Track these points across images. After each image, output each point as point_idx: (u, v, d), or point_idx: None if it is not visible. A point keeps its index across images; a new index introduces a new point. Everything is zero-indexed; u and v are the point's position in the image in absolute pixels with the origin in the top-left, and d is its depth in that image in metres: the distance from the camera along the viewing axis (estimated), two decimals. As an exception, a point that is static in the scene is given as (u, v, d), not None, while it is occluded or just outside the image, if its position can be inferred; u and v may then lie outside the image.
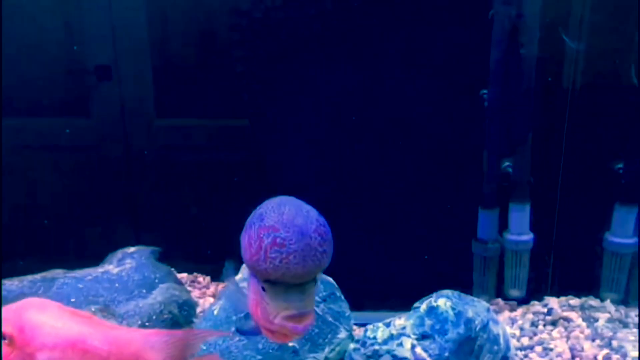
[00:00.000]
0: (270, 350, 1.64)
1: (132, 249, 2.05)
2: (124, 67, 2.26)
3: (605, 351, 1.84)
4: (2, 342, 1.22)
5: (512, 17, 1.96)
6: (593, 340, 1.91)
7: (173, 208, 2.42)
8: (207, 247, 2.40)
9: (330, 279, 1.81)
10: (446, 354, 1.60)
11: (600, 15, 2.07)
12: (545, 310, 2.06)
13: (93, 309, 1.76)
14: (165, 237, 2.38)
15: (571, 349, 1.86)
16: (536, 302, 2.14)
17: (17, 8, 2.17)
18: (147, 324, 1.77)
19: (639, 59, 2.03)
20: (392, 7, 2.12)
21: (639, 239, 2.10)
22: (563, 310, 2.05)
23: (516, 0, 1.95)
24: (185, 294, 1.96)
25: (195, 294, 2.22)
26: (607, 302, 2.10)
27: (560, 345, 1.88)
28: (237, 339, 1.63)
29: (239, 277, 1.66)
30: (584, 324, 1.98)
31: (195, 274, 2.38)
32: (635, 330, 1.96)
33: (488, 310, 1.73)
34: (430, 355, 1.60)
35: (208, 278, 2.36)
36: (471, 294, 2.12)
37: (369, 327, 1.71)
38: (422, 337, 1.63)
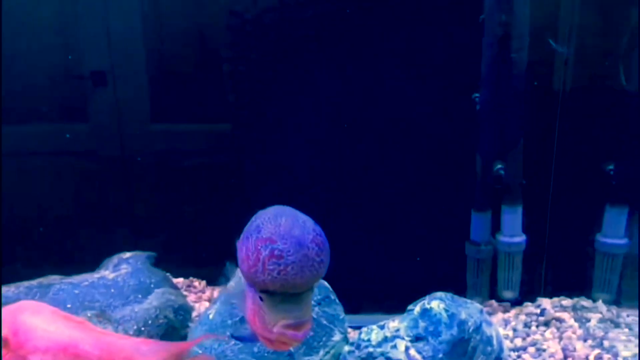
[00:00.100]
0: (266, 354, 1.65)
1: (127, 254, 2.06)
2: (119, 72, 2.27)
3: (597, 351, 1.85)
4: None
5: (503, 22, 1.98)
6: (585, 340, 1.92)
7: (169, 213, 2.43)
8: (203, 252, 2.41)
9: (325, 282, 1.82)
10: (440, 356, 1.61)
11: (589, 18, 2.09)
12: (538, 311, 2.08)
13: (89, 315, 1.76)
14: (162, 242, 2.39)
15: (563, 350, 1.88)
16: (529, 303, 2.16)
17: (13, 14, 2.18)
18: (142, 328, 1.78)
19: (628, 60, 2.06)
20: (385, 12, 2.14)
21: (638, 240, 2.12)
22: (555, 311, 2.06)
23: (506, 5, 1.97)
24: (181, 299, 1.97)
25: (191, 298, 2.23)
26: (599, 303, 2.11)
27: (553, 346, 1.89)
28: (233, 342, 1.65)
29: (231, 284, 1.67)
30: (576, 325, 1.99)
31: (191, 278, 2.39)
32: (627, 330, 1.97)
33: (481, 311, 1.74)
34: (424, 357, 1.61)
35: (204, 282, 2.37)
36: (465, 296, 2.13)
37: (363, 329, 1.72)
38: (416, 339, 1.65)
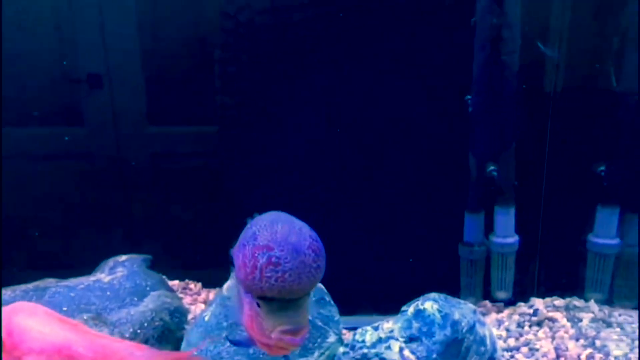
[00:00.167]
0: (261, 355, 1.66)
1: (123, 257, 2.07)
2: (115, 75, 2.27)
3: (589, 350, 1.87)
4: None
5: (494, 24, 2.00)
6: (577, 340, 1.94)
7: (165, 215, 2.44)
8: (199, 254, 2.42)
9: (319, 284, 1.83)
10: (434, 356, 1.62)
11: (580, 20, 2.11)
12: (531, 311, 2.09)
13: (85, 318, 1.77)
14: (158, 244, 2.39)
15: (556, 349, 1.89)
16: (522, 304, 2.17)
17: (8, 17, 2.18)
18: (138, 331, 1.79)
19: (618, 62, 2.08)
20: (377, 15, 2.15)
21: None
22: (548, 311, 2.08)
23: (497, 8, 1.99)
24: (176, 301, 1.98)
25: (186, 300, 2.24)
26: (591, 302, 2.13)
27: (546, 346, 1.91)
28: (228, 344, 1.66)
29: (228, 284, 1.68)
30: (568, 324, 2.01)
31: (186, 280, 2.39)
32: (618, 330, 1.99)
33: (474, 312, 1.76)
34: (418, 358, 1.62)
35: (199, 285, 2.38)
36: (459, 296, 2.15)
37: (358, 330, 1.73)
38: (410, 339, 1.66)
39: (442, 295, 1.76)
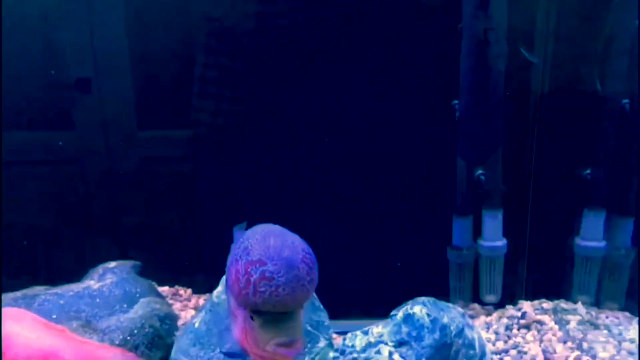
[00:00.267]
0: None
1: (112, 264, 2.06)
2: (104, 79, 2.26)
3: (577, 353, 1.89)
4: None
5: (480, 30, 2.01)
6: (565, 342, 1.95)
7: (155, 220, 2.43)
8: (189, 260, 2.41)
9: (309, 289, 1.83)
10: (423, 360, 1.63)
11: (565, 25, 2.13)
12: (519, 314, 2.10)
13: (74, 325, 1.76)
14: (147, 250, 2.39)
15: (544, 352, 1.91)
16: (510, 307, 2.19)
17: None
18: (128, 338, 1.79)
19: (603, 66, 2.10)
20: (363, 22, 2.16)
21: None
22: (536, 314, 2.09)
23: (484, 14, 2.00)
24: (166, 307, 1.97)
25: (176, 306, 2.24)
26: (579, 305, 2.15)
27: (534, 349, 1.92)
28: (217, 350, 1.65)
29: (218, 290, 1.68)
30: (556, 327, 2.02)
31: (176, 286, 2.39)
32: (605, 332, 2.01)
33: (463, 315, 1.76)
34: (407, 362, 1.63)
35: (189, 291, 2.38)
36: (448, 300, 2.17)
37: (348, 335, 1.73)
38: (399, 344, 1.66)
39: (431, 299, 1.77)
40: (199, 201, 2.35)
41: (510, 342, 1.98)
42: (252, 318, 1.11)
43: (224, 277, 1.68)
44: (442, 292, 2.23)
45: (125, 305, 1.88)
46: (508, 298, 2.25)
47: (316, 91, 2.21)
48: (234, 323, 1.19)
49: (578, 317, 2.07)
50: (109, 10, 2.22)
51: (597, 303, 2.21)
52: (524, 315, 2.08)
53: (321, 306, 1.83)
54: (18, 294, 1.89)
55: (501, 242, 2.18)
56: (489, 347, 1.92)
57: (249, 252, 1.10)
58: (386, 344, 1.67)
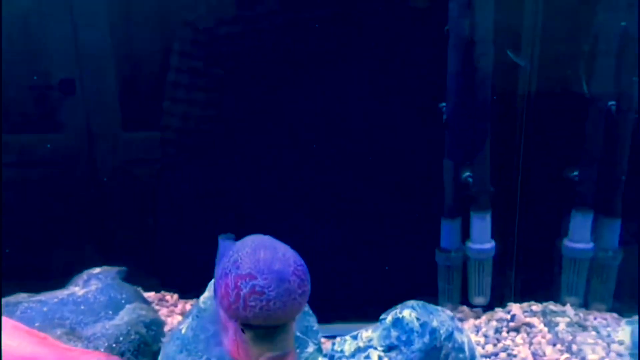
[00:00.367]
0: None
1: (97, 270, 2.03)
2: (88, 80, 2.24)
3: (566, 355, 1.89)
4: None
5: (467, 32, 2.01)
6: (554, 345, 1.96)
7: (140, 224, 2.40)
8: (175, 265, 2.39)
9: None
10: (413, 364, 1.62)
11: (552, 26, 2.14)
12: (508, 316, 2.10)
13: (59, 333, 1.74)
14: (132, 256, 2.36)
15: (534, 355, 1.91)
16: (500, 309, 2.18)
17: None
18: (114, 345, 1.76)
19: (590, 67, 2.11)
20: (349, 24, 2.15)
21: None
22: (526, 316, 2.09)
23: (470, 16, 2.00)
24: (152, 313, 1.95)
25: (163, 312, 2.21)
26: (567, 307, 2.15)
27: (523, 351, 1.92)
28: (204, 357, 1.63)
29: (205, 295, 1.66)
30: (545, 329, 2.02)
31: (162, 292, 2.37)
32: (594, 333, 2.01)
33: (452, 319, 1.76)
34: (397, 366, 1.62)
35: (176, 296, 2.35)
36: (437, 302, 2.16)
37: (337, 340, 1.72)
38: (389, 348, 1.66)
39: (421, 303, 1.76)
40: (162, 207, 2.33)
41: (500, 345, 1.98)
42: (243, 331, 1.08)
43: (211, 282, 1.66)
44: (431, 294, 2.22)
45: (110, 312, 1.85)
46: (497, 300, 2.25)
47: (297, 96, 2.19)
48: (224, 335, 1.17)
49: (567, 319, 2.07)
50: (92, 12, 2.19)
51: (586, 304, 2.21)
52: (513, 318, 2.08)
53: (310, 311, 1.81)
54: (0, 301, 1.86)
55: (489, 244, 2.17)
56: (479, 350, 1.92)
57: (239, 266, 1.07)
58: (375, 348, 1.66)
